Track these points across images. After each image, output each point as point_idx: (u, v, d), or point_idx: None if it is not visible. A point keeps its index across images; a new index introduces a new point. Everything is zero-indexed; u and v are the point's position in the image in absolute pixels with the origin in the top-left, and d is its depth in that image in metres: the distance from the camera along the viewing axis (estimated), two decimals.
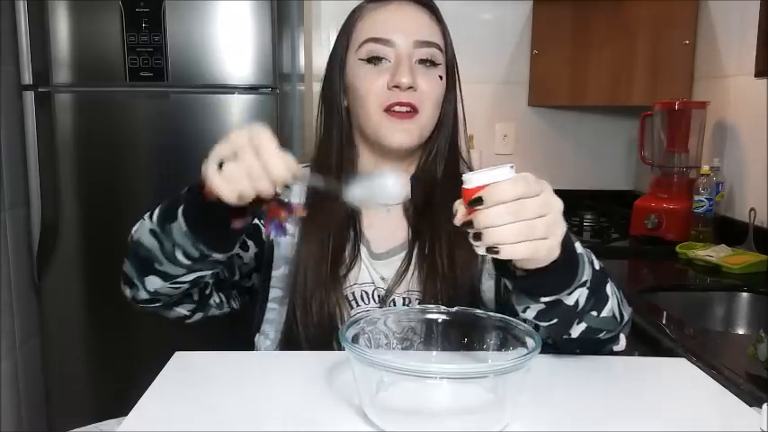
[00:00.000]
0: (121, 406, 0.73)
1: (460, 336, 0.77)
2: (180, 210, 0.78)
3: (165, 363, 0.83)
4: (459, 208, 0.67)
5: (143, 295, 0.89)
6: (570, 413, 0.71)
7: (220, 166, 0.70)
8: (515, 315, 0.94)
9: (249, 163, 0.68)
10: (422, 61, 0.93)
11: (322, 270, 0.93)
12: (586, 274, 0.75)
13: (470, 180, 0.65)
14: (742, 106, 1.93)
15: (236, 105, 1.92)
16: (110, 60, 1.88)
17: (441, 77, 0.95)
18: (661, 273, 1.73)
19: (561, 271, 0.71)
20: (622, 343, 0.86)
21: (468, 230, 0.66)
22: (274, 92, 1.93)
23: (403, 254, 0.97)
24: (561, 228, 0.67)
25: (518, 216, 0.63)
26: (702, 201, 1.91)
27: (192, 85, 1.91)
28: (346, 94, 0.97)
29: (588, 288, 0.76)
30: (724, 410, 0.73)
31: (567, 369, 0.85)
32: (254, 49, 1.90)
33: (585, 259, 0.76)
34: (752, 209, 1.78)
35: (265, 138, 0.69)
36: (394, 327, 0.81)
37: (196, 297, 0.96)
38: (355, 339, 0.71)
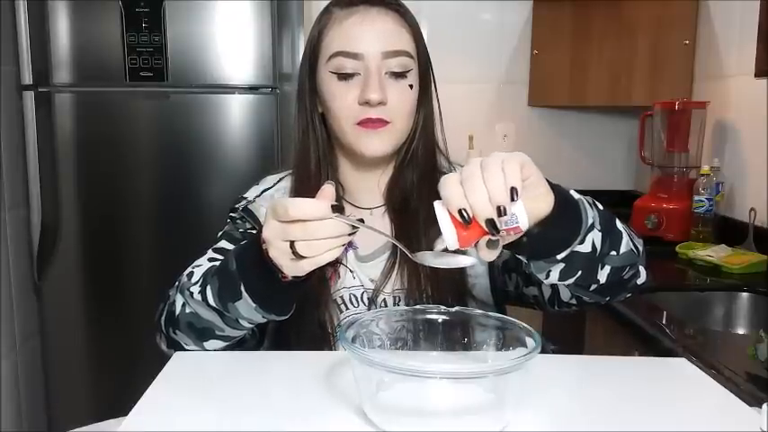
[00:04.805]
0: (121, 406, 0.73)
1: (460, 336, 0.77)
2: (242, 287, 0.78)
3: (165, 363, 0.83)
4: (488, 245, 0.66)
5: (195, 349, 0.88)
6: (570, 413, 0.71)
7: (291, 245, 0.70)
8: (512, 298, 0.98)
9: (318, 246, 0.70)
10: (392, 73, 0.93)
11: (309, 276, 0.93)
12: (591, 216, 0.74)
13: (446, 240, 0.65)
14: (742, 106, 1.93)
15: (236, 105, 1.92)
16: (110, 60, 1.87)
17: (411, 86, 0.95)
18: (661, 273, 1.73)
19: (564, 220, 0.70)
20: (644, 275, 0.85)
21: (500, 234, 0.65)
22: (274, 92, 1.93)
23: (388, 253, 0.98)
24: (505, 153, 0.66)
25: (473, 176, 0.63)
26: (702, 201, 1.91)
27: (192, 85, 1.90)
28: (320, 101, 0.98)
29: (600, 230, 0.74)
30: (724, 410, 0.73)
31: (566, 369, 0.85)
32: (254, 49, 1.90)
33: (585, 203, 0.75)
34: (752, 209, 1.78)
35: (315, 212, 0.68)
36: (391, 328, 0.80)
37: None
38: (353, 341, 0.71)
